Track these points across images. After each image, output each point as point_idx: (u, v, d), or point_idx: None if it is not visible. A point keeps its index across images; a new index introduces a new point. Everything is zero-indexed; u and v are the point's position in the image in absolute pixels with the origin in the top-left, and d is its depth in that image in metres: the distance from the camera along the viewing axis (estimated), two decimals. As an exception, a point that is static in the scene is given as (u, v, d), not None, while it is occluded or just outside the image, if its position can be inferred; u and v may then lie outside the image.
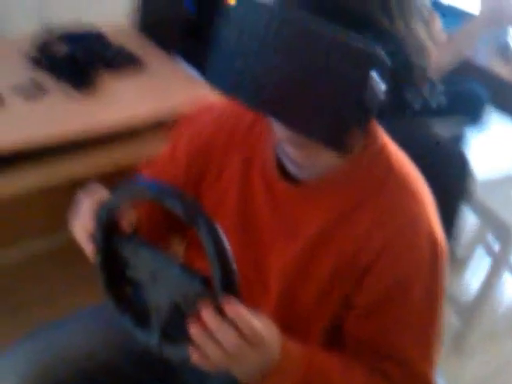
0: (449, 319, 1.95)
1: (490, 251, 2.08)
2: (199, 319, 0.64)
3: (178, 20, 1.54)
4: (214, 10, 1.42)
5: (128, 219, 0.75)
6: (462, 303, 1.94)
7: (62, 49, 1.46)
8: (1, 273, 1.52)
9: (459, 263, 2.21)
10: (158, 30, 1.65)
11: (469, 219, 2.09)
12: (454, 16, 2.06)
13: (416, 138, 1.23)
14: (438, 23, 1.52)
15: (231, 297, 0.63)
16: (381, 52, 0.59)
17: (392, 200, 0.78)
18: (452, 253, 2.17)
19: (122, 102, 1.42)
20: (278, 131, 0.72)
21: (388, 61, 0.60)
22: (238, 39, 0.64)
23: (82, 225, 0.76)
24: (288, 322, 0.84)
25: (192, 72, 1.55)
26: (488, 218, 1.81)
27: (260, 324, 0.66)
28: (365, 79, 0.59)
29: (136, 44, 1.63)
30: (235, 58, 0.63)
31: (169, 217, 0.86)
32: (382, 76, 0.61)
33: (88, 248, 0.76)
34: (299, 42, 0.60)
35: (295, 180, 0.81)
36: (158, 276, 0.70)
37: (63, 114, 1.32)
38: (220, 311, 0.63)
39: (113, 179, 0.96)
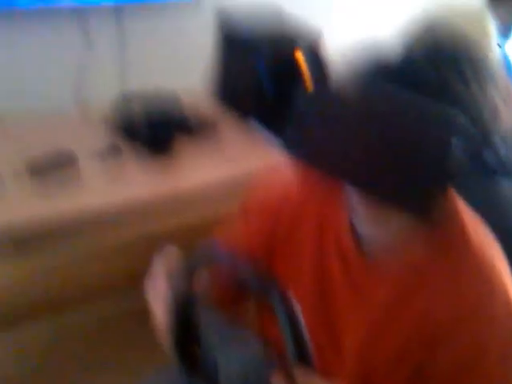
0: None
1: None
2: None
3: (253, 87, 1.57)
4: (288, 84, 1.46)
5: (202, 285, 0.77)
6: None
7: (139, 113, 1.51)
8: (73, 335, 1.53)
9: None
10: (233, 97, 1.69)
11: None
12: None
13: (494, 203, 1.16)
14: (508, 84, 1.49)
15: (304, 367, 0.66)
16: (461, 117, 0.60)
17: (467, 270, 0.76)
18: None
19: (196, 166, 1.44)
20: (355, 201, 0.73)
21: (468, 126, 0.62)
22: (317, 125, 0.66)
23: (158, 296, 0.80)
24: None
25: (265, 138, 1.56)
26: None
27: None
28: (446, 146, 0.60)
29: (212, 110, 1.66)
30: (316, 130, 0.66)
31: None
32: (463, 141, 0.62)
33: (158, 312, 0.79)
34: (380, 112, 0.62)
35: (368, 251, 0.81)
36: (227, 342, 0.73)
37: (137, 178, 1.35)
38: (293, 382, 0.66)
39: (186, 242, 0.97)
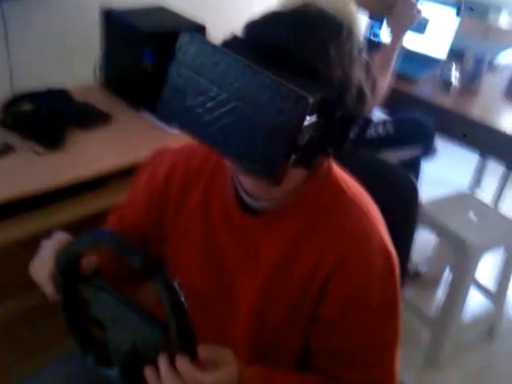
0: (421, 334, 2.04)
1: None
2: (155, 364, 0.71)
3: (139, 74, 1.64)
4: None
5: (89, 263, 0.80)
6: (432, 318, 2.04)
7: (27, 108, 1.53)
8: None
9: (431, 282, 2.32)
10: (121, 85, 1.76)
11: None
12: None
13: (365, 166, 1.31)
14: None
15: (185, 353, 0.70)
16: (311, 96, 0.64)
17: (343, 218, 0.85)
18: (418, 272, 2.28)
19: (89, 155, 1.49)
20: (229, 164, 0.79)
21: (319, 104, 0.66)
22: (187, 78, 0.70)
23: (42, 266, 0.80)
24: (260, 348, 0.90)
25: (157, 123, 1.64)
26: (446, 235, 1.92)
27: (212, 378, 0.72)
28: (294, 120, 0.64)
29: (101, 100, 1.72)
30: (183, 97, 0.71)
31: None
32: (315, 116, 0.67)
33: (48, 289, 0.80)
34: (240, 80, 0.66)
35: (253, 210, 0.87)
36: (119, 319, 0.75)
37: (31, 171, 1.38)
38: (174, 363, 0.70)
39: (83, 228, 1.05)
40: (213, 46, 0.70)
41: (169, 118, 0.75)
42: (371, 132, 1.97)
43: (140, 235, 1.00)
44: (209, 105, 0.69)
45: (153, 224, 0.98)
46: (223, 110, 0.68)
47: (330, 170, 0.87)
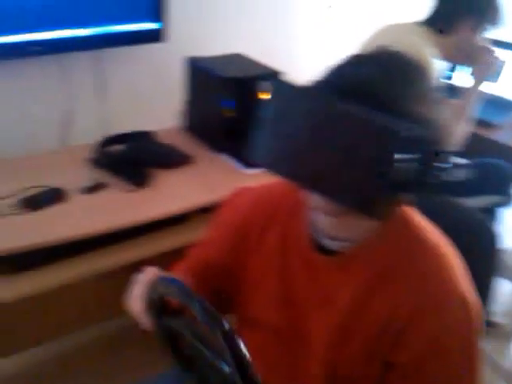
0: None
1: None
2: None
3: (219, 118, 1.73)
4: (251, 107, 1.62)
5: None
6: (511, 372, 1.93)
7: (118, 148, 1.66)
8: (53, 362, 1.60)
9: (509, 334, 2.21)
10: (202, 128, 1.86)
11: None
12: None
13: (442, 210, 1.29)
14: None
15: None
16: (403, 130, 0.65)
17: (422, 267, 0.83)
18: (496, 323, 2.18)
19: (172, 193, 1.58)
20: (314, 202, 0.80)
21: (410, 139, 0.67)
22: (276, 124, 0.74)
23: (136, 302, 0.86)
24: None
25: (235, 165, 1.72)
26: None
27: None
28: (386, 155, 0.66)
29: (184, 142, 1.82)
30: (274, 139, 0.74)
31: (218, 297, 1.00)
32: (405, 152, 0.68)
33: (144, 321, 0.87)
34: (329, 122, 0.68)
35: (329, 251, 0.88)
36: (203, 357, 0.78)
37: (120, 206, 1.48)
38: None
39: (167, 260, 1.11)
40: (301, 90, 0.73)
41: (261, 159, 0.78)
42: (450, 176, 1.94)
43: (218, 272, 1.03)
44: (301, 146, 0.71)
45: (232, 262, 1.01)
46: (316, 150, 0.70)
47: (407, 213, 0.87)
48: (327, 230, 0.87)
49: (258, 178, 0.83)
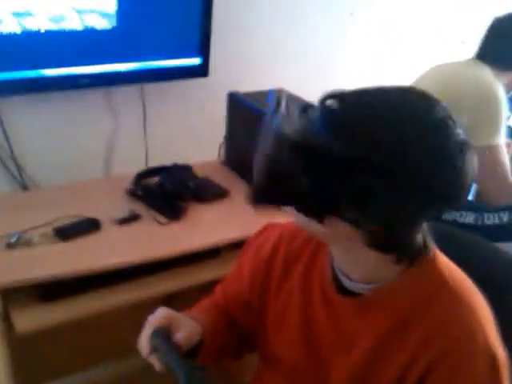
0: None
1: None
2: None
3: (253, 154, 1.72)
4: None
5: (188, 340, 0.86)
6: None
7: (155, 180, 1.67)
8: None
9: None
10: (240, 163, 1.86)
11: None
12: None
13: (481, 257, 1.23)
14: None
15: None
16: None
17: (446, 312, 0.80)
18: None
19: (207, 227, 1.58)
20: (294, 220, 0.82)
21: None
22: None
23: (143, 344, 0.86)
24: None
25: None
26: None
27: None
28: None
29: (221, 176, 1.82)
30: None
31: (240, 334, 1.00)
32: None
33: (152, 362, 0.86)
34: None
35: (352, 294, 0.86)
36: None
37: (153, 238, 1.49)
38: None
39: (199, 294, 1.12)
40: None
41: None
42: (490, 219, 1.84)
43: (243, 308, 1.03)
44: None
45: (255, 299, 1.00)
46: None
47: (435, 257, 0.84)
48: (341, 266, 0.86)
49: (292, 215, 0.82)
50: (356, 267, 0.84)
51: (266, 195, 0.79)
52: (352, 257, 0.83)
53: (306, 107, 0.75)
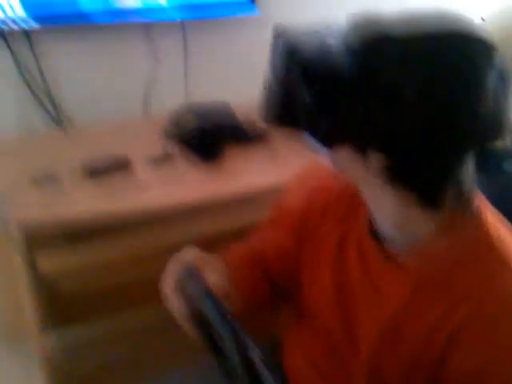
0: None
1: None
2: None
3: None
4: None
5: (217, 285, 0.79)
6: None
7: (193, 122, 1.57)
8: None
9: None
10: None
11: None
12: None
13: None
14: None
15: None
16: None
17: (487, 273, 0.73)
18: None
19: (244, 172, 1.48)
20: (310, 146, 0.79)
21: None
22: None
23: (168, 282, 0.82)
24: None
25: (312, 145, 1.57)
26: None
27: None
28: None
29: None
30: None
31: (273, 285, 0.98)
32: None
33: (175, 305, 0.81)
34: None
35: (388, 252, 0.81)
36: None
37: (185, 181, 1.41)
38: None
39: (232, 239, 1.06)
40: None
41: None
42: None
43: (280, 256, 0.99)
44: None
45: (290, 249, 0.97)
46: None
47: (478, 215, 0.75)
48: (374, 216, 0.81)
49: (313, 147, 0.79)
50: (385, 216, 0.78)
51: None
52: (378, 202, 0.77)
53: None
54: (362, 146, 0.69)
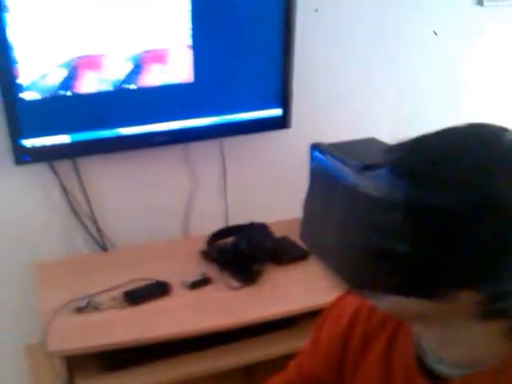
0: None
1: None
2: None
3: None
4: None
5: None
6: None
7: (229, 241, 1.59)
8: None
9: None
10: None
11: None
12: None
13: None
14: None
15: None
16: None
17: None
18: None
19: (283, 293, 1.47)
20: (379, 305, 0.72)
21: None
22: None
23: None
24: None
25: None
26: None
27: None
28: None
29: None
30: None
31: None
32: None
33: None
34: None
35: (439, 378, 0.74)
36: None
37: (225, 304, 1.40)
38: None
39: (273, 367, 1.04)
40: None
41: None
42: None
43: None
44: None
45: (330, 376, 0.91)
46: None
47: None
48: (430, 346, 0.75)
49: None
50: (451, 346, 0.71)
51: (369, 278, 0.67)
52: (448, 334, 0.70)
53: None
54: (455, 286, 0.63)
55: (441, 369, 0.74)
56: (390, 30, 2.00)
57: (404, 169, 0.63)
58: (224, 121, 1.73)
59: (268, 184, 1.99)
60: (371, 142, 1.71)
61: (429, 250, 0.60)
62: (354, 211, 0.68)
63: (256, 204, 1.95)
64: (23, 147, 1.49)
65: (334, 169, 1.57)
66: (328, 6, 1.86)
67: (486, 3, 2.07)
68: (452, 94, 2.21)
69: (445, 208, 0.59)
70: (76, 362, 1.29)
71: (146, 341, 1.28)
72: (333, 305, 0.97)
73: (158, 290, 1.41)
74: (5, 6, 1.35)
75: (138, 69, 1.55)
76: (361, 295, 0.73)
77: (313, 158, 1.69)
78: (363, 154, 1.58)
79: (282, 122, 1.82)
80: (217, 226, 1.72)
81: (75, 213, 1.71)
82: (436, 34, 2.09)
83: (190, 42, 1.59)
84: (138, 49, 1.53)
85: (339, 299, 0.97)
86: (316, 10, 1.84)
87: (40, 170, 1.62)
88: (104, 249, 1.74)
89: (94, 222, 1.73)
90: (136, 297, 1.38)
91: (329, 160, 1.61)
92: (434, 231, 0.60)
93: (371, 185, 0.65)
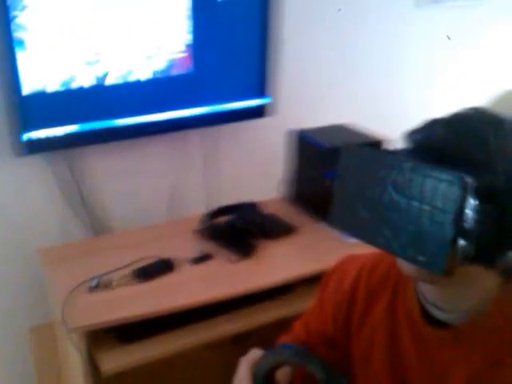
0: None
1: None
2: None
3: (321, 188, 1.73)
4: None
5: (284, 376, 0.87)
6: None
7: (225, 220, 1.70)
8: None
9: None
10: (305, 199, 1.87)
11: None
12: None
13: None
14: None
15: None
16: (471, 181, 0.63)
17: None
18: None
19: (278, 264, 1.60)
20: (405, 269, 0.77)
21: (484, 191, 0.65)
22: (357, 189, 0.74)
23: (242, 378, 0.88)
24: None
25: (339, 234, 1.69)
26: None
27: None
28: (454, 202, 0.64)
29: (287, 212, 1.84)
30: (356, 206, 0.74)
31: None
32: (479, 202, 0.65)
33: None
34: (402, 178, 0.68)
35: (441, 323, 0.82)
36: None
37: (227, 276, 1.51)
38: None
39: (273, 331, 1.11)
40: (372, 153, 0.75)
41: (340, 227, 0.80)
42: None
43: (326, 344, 1.01)
44: (376, 210, 0.71)
45: (339, 333, 0.98)
46: (390, 212, 0.70)
47: None
48: (434, 299, 0.82)
49: (362, 247, 0.80)
50: (452, 298, 0.80)
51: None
52: (458, 288, 0.78)
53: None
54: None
55: (437, 314, 0.82)
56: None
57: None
58: (211, 111, 1.84)
59: (250, 167, 2.12)
60: (342, 128, 1.91)
61: (493, 222, 0.67)
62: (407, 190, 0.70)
63: (240, 186, 2.06)
64: (23, 140, 1.54)
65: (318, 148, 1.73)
66: None
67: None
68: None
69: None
70: (93, 337, 1.37)
71: (159, 313, 1.37)
72: (336, 267, 1.05)
73: (164, 266, 1.50)
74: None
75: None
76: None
77: (296, 141, 1.84)
78: (334, 137, 1.79)
79: (263, 111, 1.95)
80: (202, 208, 1.82)
81: (73, 200, 1.77)
82: (449, 38, 2.29)
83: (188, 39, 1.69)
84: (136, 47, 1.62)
85: (341, 262, 1.05)
86: None
87: (39, 161, 1.68)
88: (97, 233, 1.82)
89: (91, 208, 1.80)
90: (145, 273, 1.47)
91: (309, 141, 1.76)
92: (494, 207, 0.67)
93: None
